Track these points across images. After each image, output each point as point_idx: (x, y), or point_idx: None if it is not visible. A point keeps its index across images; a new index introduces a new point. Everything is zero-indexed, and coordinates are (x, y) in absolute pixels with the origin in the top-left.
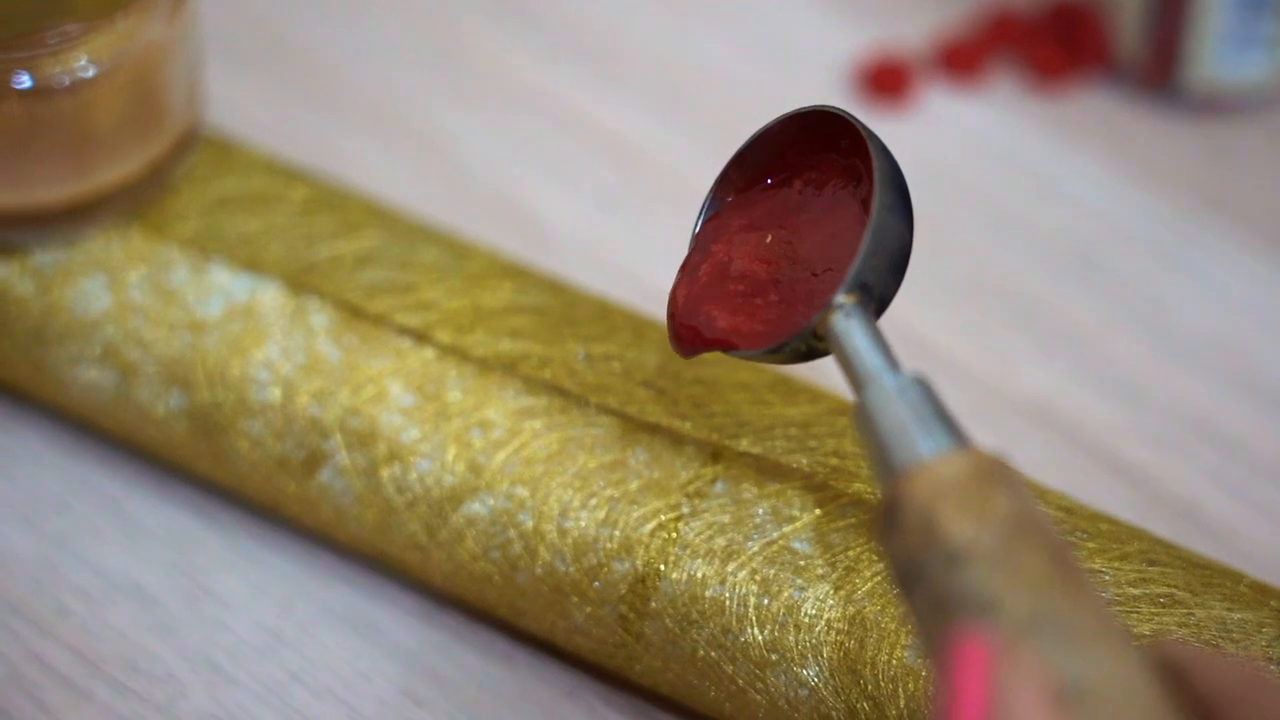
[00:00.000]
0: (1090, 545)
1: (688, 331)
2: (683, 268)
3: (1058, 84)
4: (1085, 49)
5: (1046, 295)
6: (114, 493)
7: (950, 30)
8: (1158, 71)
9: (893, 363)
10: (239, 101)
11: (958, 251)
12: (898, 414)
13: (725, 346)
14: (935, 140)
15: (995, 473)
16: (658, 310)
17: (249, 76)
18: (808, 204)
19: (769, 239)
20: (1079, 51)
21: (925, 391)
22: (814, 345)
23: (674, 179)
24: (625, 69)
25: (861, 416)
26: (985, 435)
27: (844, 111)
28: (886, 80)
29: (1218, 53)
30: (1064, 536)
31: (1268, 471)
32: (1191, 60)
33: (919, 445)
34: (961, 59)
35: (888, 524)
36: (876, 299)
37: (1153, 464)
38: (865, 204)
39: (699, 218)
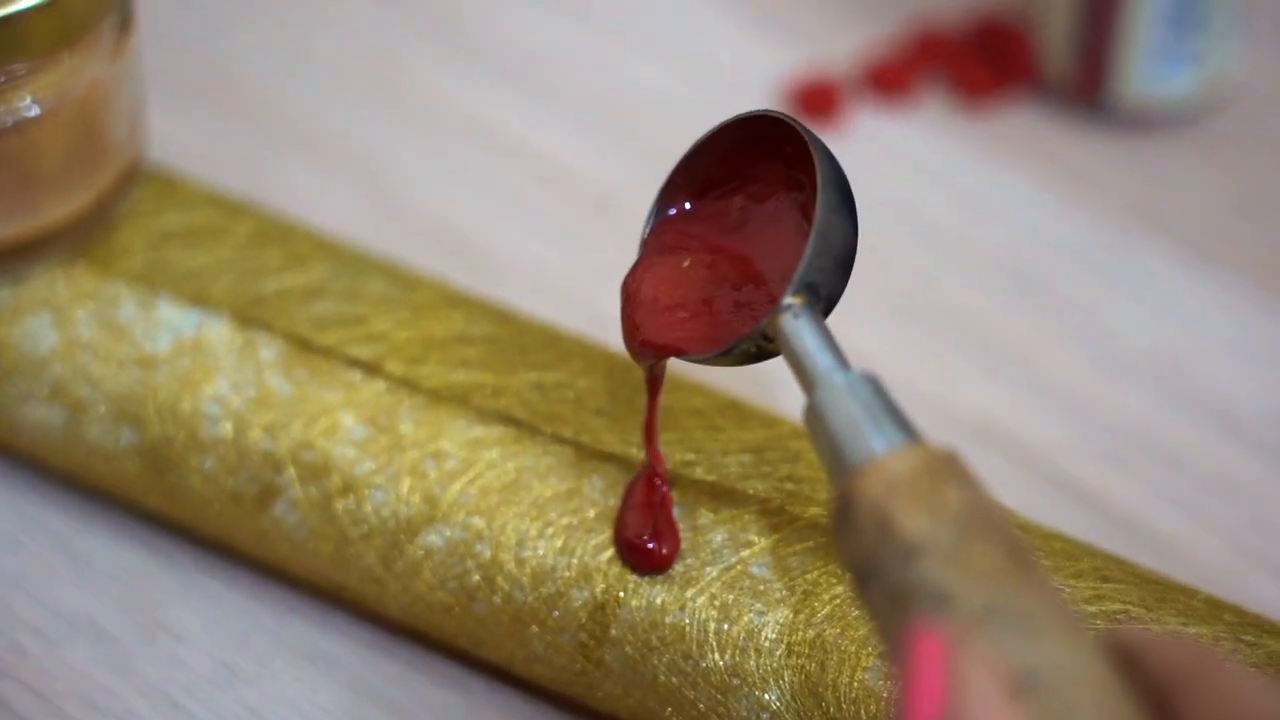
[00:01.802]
0: (1046, 564)
1: (641, 337)
2: (632, 277)
3: (986, 102)
4: (1012, 67)
5: (984, 312)
6: (64, 530)
7: (878, 50)
8: (1086, 88)
9: (842, 361)
10: (175, 134)
11: (894, 270)
12: (848, 412)
13: (676, 352)
14: (867, 159)
15: (947, 467)
16: (601, 333)
17: (184, 109)
18: (755, 212)
19: (719, 246)
20: (1006, 69)
21: (875, 389)
22: (764, 347)
23: (610, 202)
24: (559, 94)
25: (812, 416)
26: None
27: (786, 116)
28: (817, 100)
29: (1145, 69)
30: (1015, 526)
31: (1211, 485)
32: (1119, 76)
33: (871, 442)
34: (889, 78)
35: (842, 522)
36: (824, 299)
37: (1097, 480)
38: (809, 209)
39: (647, 224)
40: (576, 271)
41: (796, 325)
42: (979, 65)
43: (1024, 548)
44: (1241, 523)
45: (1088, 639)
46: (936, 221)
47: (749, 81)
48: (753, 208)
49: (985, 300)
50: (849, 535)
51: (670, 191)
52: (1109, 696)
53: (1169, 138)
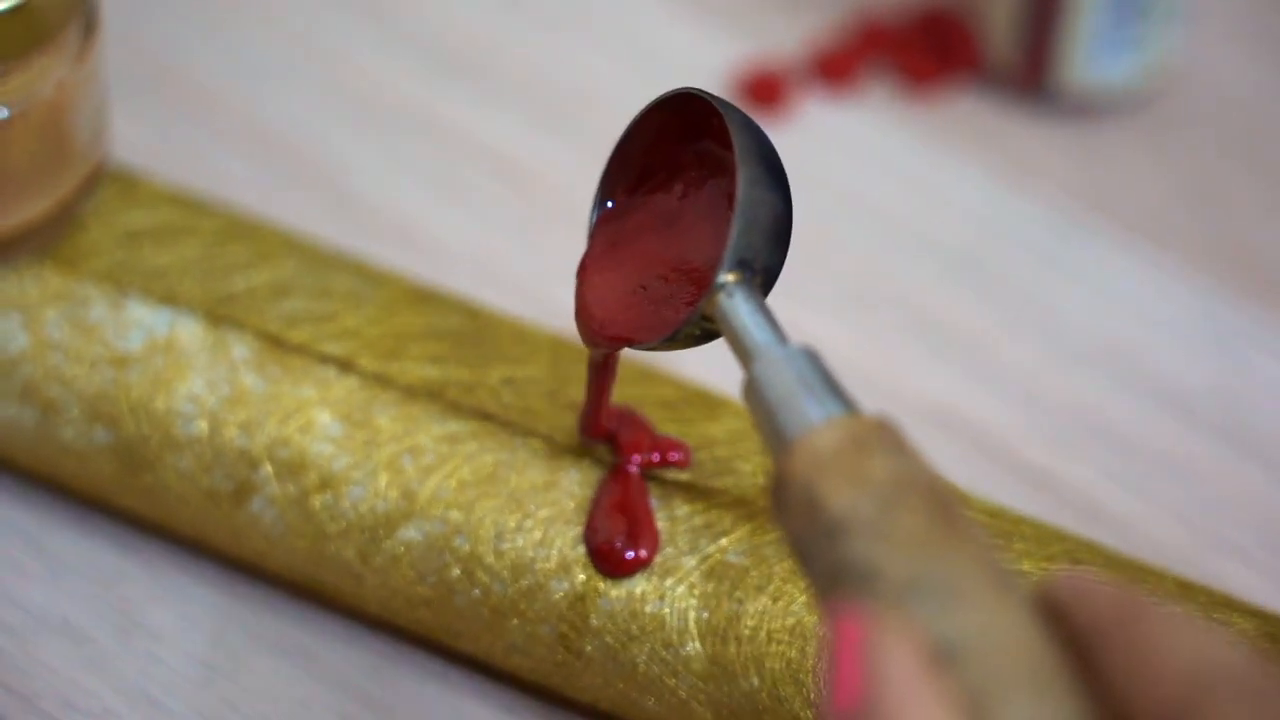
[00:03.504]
0: (1018, 547)
1: (593, 328)
2: (580, 269)
3: (930, 90)
4: (955, 55)
5: (934, 300)
6: (33, 529)
7: (822, 40)
8: (1030, 75)
9: (780, 336)
10: (125, 133)
11: (843, 258)
12: (784, 385)
13: (626, 342)
14: (814, 149)
15: (872, 436)
16: (559, 322)
17: (135, 107)
18: (692, 194)
19: (659, 233)
20: (949, 58)
21: (812, 361)
22: (707, 328)
23: (561, 193)
24: (507, 87)
25: (749, 391)
26: None
27: (702, 91)
28: (763, 90)
29: (1089, 56)
30: (949, 490)
31: (1163, 466)
32: (1063, 63)
33: (805, 415)
34: (835, 68)
35: (777, 503)
36: (760, 272)
37: (1053, 465)
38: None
39: (591, 215)
40: (529, 264)
41: (732, 303)
42: (923, 54)
43: (952, 510)
44: (1194, 503)
45: (1015, 599)
46: (884, 209)
47: (695, 72)
48: (690, 190)
49: (934, 287)
50: (784, 517)
51: (608, 182)
52: (1033, 659)
53: (1113, 124)
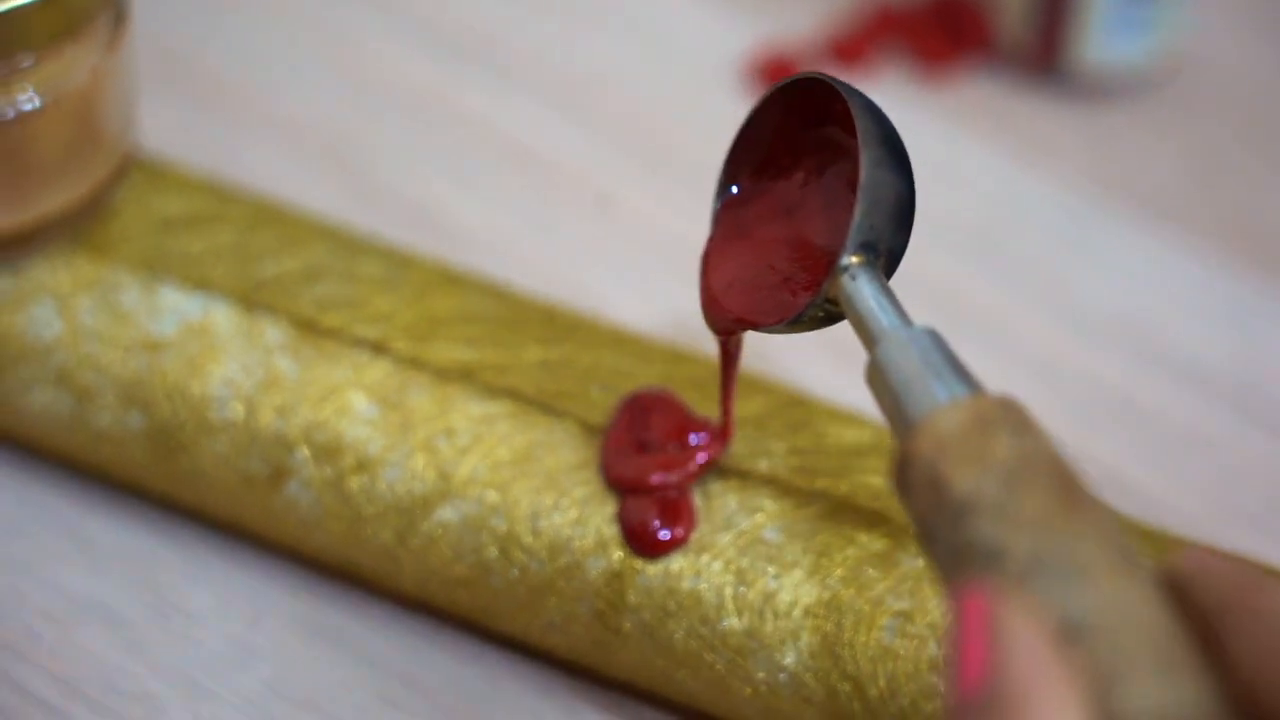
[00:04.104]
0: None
1: (717, 312)
2: (705, 255)
3: (944, 73)
4: (968, 37)
5: (953, 280)
6: (70, 514)
7: (836, 23)
8: (1043, 56)
9: (903, 317)
10: (149, 123)
11: None
12: (908, 367)
13: (751, 325)
14: None
15: (996, 417)
16: (585, 303)
17: (155, 97)
18: (815, 179)
19: (784, 218)
20: (962, 40)
21: (936, 342)
22: (831, 311)
23: (578, 177)
24: (521, 73)
25: (873, 372)
26: None
27: (824, 75)
28: (777, 75)
29: (1101, 37)
30: (1073, 468)
31: (1185, 441)
32: (1076, 44)
33: (929, 395)
34: (849, 51)
35: (901, 484)
36: (884, 254)
37: (1074, 439)
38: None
39: (716, 199)
40: (546, 247)
41: (855, 286)
42: (936, 36)
43: (1076, 488)
44: (1213, 475)
45: (1139, 576)
46: None
47: (710, 57)
48: (813, 175)
49: (952, 267)
50: (908, 497)
51: (731, 167)
52: (1158, 637)
53: (1125, 104)
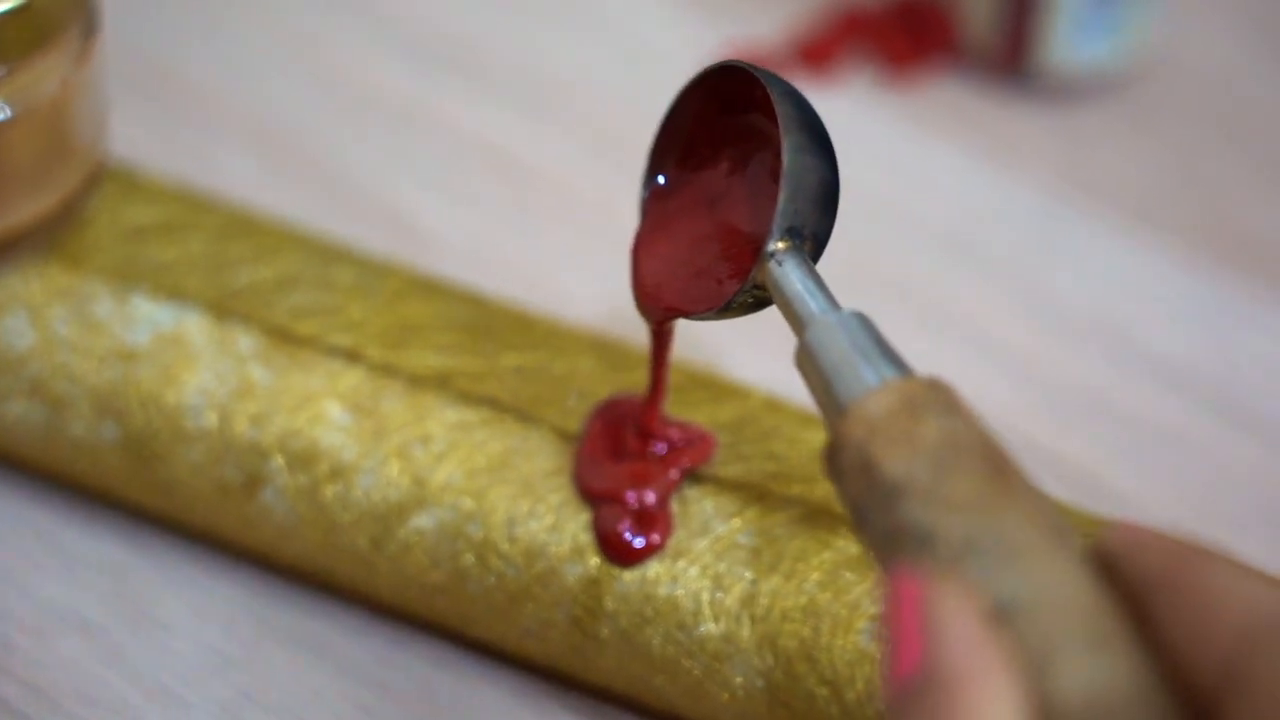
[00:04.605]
0: None
1: (649, 302)
2: (634, 245)
3: (910, 75)
4: (934, 39)
5: (927, 283)
6: (45, 524)
7: (803, 27)
8: (1009, 58)
9: (831, 302)
10: (124, 132)
11: (832, 243)
12: (836, 351)
13: (681, 313)
14: None
15: (925, 399)
16: (561, 309)
17: (130, 106)
18: (741, 167)
19: (711, 206)
20: (928, 42)
21: (864, 325)
22: (759, 296)
23: (552, 181)
24: (495, 79)
25: (802, 358)
26: None
27: (742, 63)
28: None
29: (1068, 38)
30: (1002, 449)
31: (1161, 442)
32: (1043, 46)
33: (859, 379)
34: (815, 54)
35: (833, 470)
36: (809, 239)
37: (1052, 440)
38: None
39: (642, 189)
40: (525, 252)
41: (782, 271)
42: (903, 39)
43: (1005, 469)
44: (1190, 476)
45: (1071, 555)
46: (870, 194)
47: (677, 59)
48: (738, 163)
49: (924, 270)
50: (840, 482)
51: (656, 158)
52: (1090, 616)
53: (1094, 105)
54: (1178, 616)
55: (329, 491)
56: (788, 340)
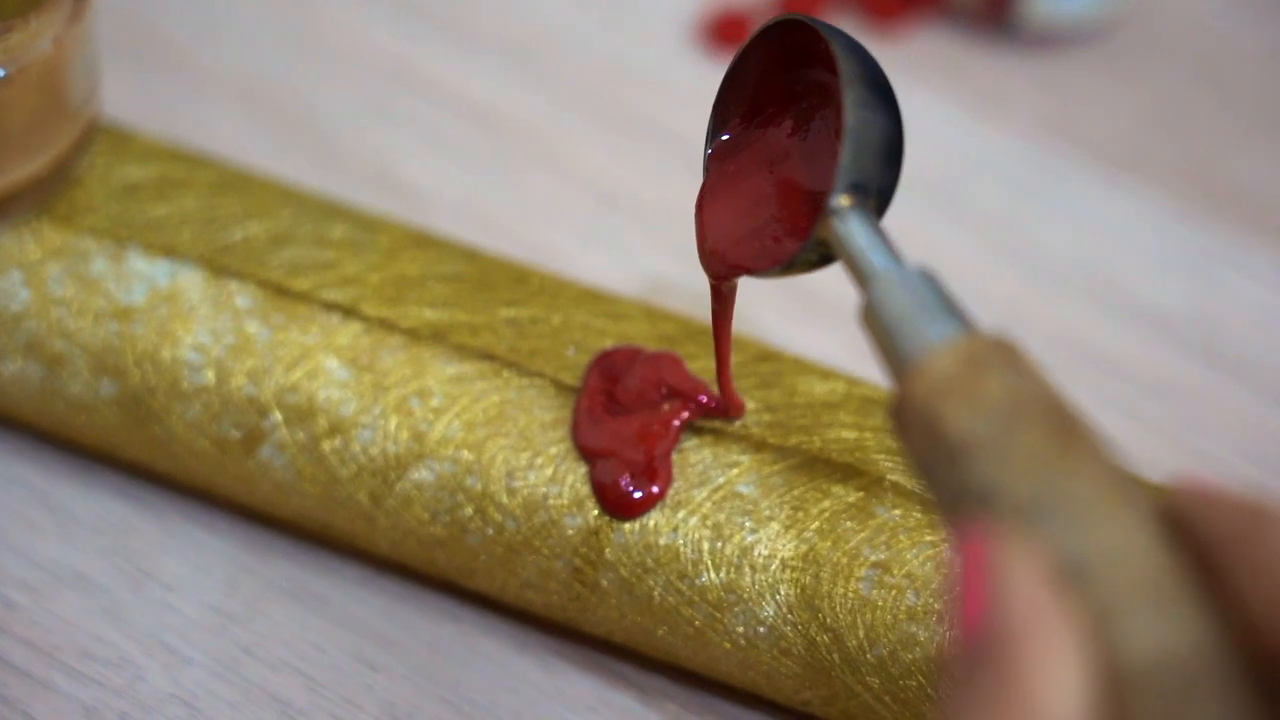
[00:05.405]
0: None
1: (713, 260)
2: (698, 202)
3: (895, 26)
4: None
5: (910, 231)
6: (43, 484)
7: None
8: (992, 9)
9: (896, 258)
10: (111, 91)
11: None
12: (901, 307)
13: (745, 270)
14: None
15: (990, 356)
16: (551, 263)
17: (117, 65)
18: (805, 122)
19: (776, 161)
20: None
21: (929, 282)
22: (824, 253)
23: (535, 136)
24: (478, 35)
25: (867, 315)
26: (875, 375)
27: (805, 17)
28: (729, 31)
29: None
30: (1068, 405)
31: (1149, 387)
32: None
33: (924, 337)
34: (800, 7)
35: (898, 428)
36: (874, 194)
37: None
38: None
39: (706, 145)
40: (510, 207)
41: (846, 227)
42: None
43: (1072, 426)
44: (1177, 421)
45: (1139, 514)
46: None
47: (662, 14)
48: (801, 119)
49: (910, 220)
50: (906, 438)
51: (719, 115)
52: (1156, 574)
53: (1077, 54)
54: (1250, 577)
55: (328, 446)
56: (792, 294)
